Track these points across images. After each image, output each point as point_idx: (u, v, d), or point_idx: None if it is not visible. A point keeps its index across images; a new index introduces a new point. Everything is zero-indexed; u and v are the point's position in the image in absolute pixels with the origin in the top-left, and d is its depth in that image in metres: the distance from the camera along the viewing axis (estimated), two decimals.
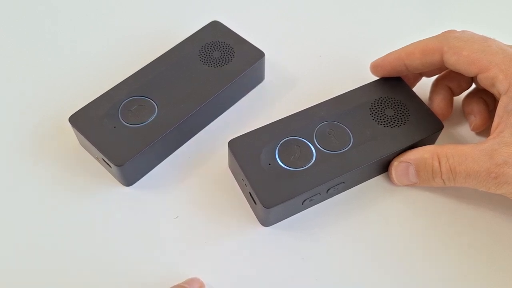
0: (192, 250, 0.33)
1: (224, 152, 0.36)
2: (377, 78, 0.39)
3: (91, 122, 0.35)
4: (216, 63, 0.39)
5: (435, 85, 0.39)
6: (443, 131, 0.36)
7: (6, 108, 0.41)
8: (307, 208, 0.35)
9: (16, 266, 0.33)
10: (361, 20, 0.48)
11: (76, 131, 0.36)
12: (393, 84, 0.38)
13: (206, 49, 0.40)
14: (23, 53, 0.45)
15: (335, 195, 0.36)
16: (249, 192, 0.34)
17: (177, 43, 0.40)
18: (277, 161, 0.34)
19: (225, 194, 0.36)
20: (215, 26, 0.42)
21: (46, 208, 0.35)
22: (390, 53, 0.37)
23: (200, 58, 0.39)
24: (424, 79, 0.40)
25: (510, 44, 0.34)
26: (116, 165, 0.33)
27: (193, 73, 0.38)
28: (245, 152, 0.34)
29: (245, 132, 0.35)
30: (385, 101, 0.37)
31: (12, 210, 0.35)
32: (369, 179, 0.37)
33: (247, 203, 0.35)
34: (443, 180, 0.33)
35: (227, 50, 0.40)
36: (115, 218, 0.35)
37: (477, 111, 0.38)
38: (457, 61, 0.34)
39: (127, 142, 0.35)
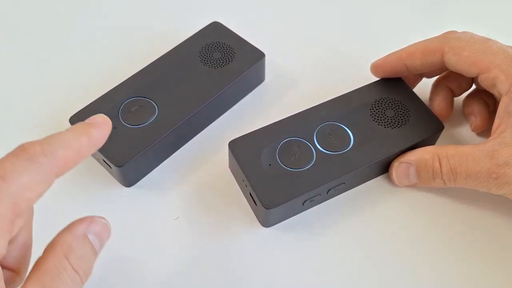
0: (193, 251, 0.33)
1: (224, 153, 0.36)
2: (377, 78, 0.39)
3: None
4: (217, 64, 0.39)
5: (436, 85, 0.39)
6: (443, 131, 0.36)
7: (7, 108, 0.41)
8: (307, 209, 0.35)
9: None
10: (361, 21, 0.48)
11: None
12: (393, 85, 0.38)
13: (207, 50, 0.40)
14: (23, 53, 0.45)
15: (335, 195, 0.36)
16: (250, 193, 0.34)
17: (177, 43, 0.40)
18: (278, 162, 0.34)
19: (225, 195, 0.36)
20: (215, 27, 0.42)
21: (45, 209, 0.35)
22: (391, 53, 0.37)
23: (201, 59, 0.39)
24: (424, 79, 0.40)
25: (511, 44, 0.34)
26: (117, 166, 0.33)
27: (194, 73, 0.38)
28: (246, 152, 0.34)
29: (245, 133, 0.35)
30: (385, 102, 0.37)
31: None
32: (369, 180, 0.37)
33: (248, 204, 0.35)
34: (444, 180, 0.33)
35: (227, 50, 0.40)
36: (115, 218, 0.34)
37: (477, 112, 0.38)
38: (458, 61, 0.34)
39: (127, 142, 0.35)
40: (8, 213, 0.22)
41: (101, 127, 0.28)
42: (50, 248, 0.25)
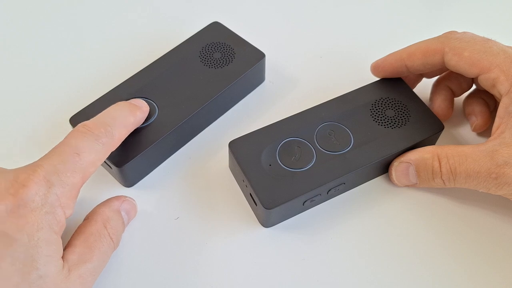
0: (193, 251, 0.33)
1: (224, 153, 0.36)
2: (377, 79, 0.39)
3: None
4: (217, 64, 0.39)
5: (436, 86, 0.39)
6: (443, 132, 0.36)
7: (7, 109, 0.41)
8: (307, 209, 0.35)
9: None
10: (362, 21, 0.48)
11: None
12: (393, 85, 0.38)
13: (207, 50, 0.40)
14: (24, 54, 0.45)
15: (335, 196, 0.36)
16: (250, 193, 0.34)
17: (177, 44, 0.40)
18: (278, 162, 0.34)
19: (225, 195, 0.36)
20: (215, 27, 0.42)
21: None
22: (391, 54, 0.37)
23: (201, 59, 0.39)
24: (424, 80, 0.40)
25: (511, 45, 0.34)
26: (117, 166, 0.33)
27: (194, 74, 0.39)
28: (246, 153, 0.34)
29: (245, 133, 0.35)
30: (385, 102, 0.37)
31: None
32: (369, 180, 0.37)
33: (248, 204, 0.35)
34: (443, 180, 0.33)
35: (227, 51, 0.40)
36: None
37: (478, 112, 0.38)
38: (458, 62, 0.34)
39: (127, 143, 0.34)
40: (78, 183, 0.28)
41: (143, 109, 0.34)
42: (91, 216, 0.30)
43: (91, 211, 0.31)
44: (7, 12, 0.48)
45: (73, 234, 0.29)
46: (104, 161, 0.35)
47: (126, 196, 0.33)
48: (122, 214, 0.32)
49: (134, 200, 0.34)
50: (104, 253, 0.29)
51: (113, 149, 0.30)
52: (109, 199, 0.32)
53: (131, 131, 0.33)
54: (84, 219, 0.30)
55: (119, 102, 0.33)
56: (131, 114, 0.32)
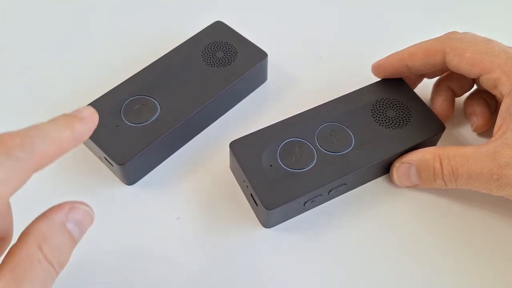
0: (193, 251, 0.33)
1: (225, 153, 0.36)
2: (378, 79, 0.39)
3: None
4: (219, 63, 0.39)
5: (437, 86, 0.39)
6: (444, 132, 0.36)
7: (9, 107, 0.41)
8: (308, 210, 0.35)
9: None
10: (362, 21, 0.48)
11: None
12: (394, 85, 0.38)
13: (209, 49, 0.40)
14: (26, 52, 0.45)
15: (336, 196, 0.36)
16: (250, 194, 0.34)
17: (180, 43, 0.40)
18: (279, 163, 0.34)
19: (226, 195, 0.36)
20: (218, 26, 0.42)
21: (47, 206, 0.35)
22: (392, 54, 0.37)
23: (203, 58, 0.39)
24: (425, 80, 0.40)
25: None
26: (118, 164, 0.34)
27: (196, 73, 0.39)
28: (247, 153, 0.34)
29: (247, 133, 0.35)
30: (386, 102, 0.37)
31: (13, 209, 0.35)
32: (370, 181, 0.37)
33: (248, 204, 0.35)
34: (445, 181, 0.33)
35: (230, 50, 0.40)
36: (116, 217, 0.35)
37: (479, 112, 0.38)
38: (460, 62, 0.34)
39: (129, 141, 0.35)
40: None
41: (87, 120, 0.26)
42: (23, 236, 0.23)
43: (25, 228, 0.24)
44: (9, 11, 0.48)
45: (2, 261, 0.23)
46: (105, 159, 0.35)
47: (74, 202, 0.26)
48: (70, 227, 0.25)
49: (85, 204, 0.26)
50: (40, 284, 0.22)
51: (37, 166, 0.23)
52: (47, 210, 0.25)
53: (73, 147, 0.25)
54: (18, 239, 0.23)
55: (58, 115, 0.25)
56: (67, 127, 0.24)
